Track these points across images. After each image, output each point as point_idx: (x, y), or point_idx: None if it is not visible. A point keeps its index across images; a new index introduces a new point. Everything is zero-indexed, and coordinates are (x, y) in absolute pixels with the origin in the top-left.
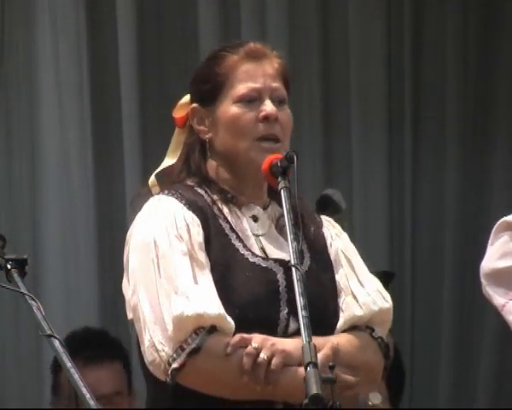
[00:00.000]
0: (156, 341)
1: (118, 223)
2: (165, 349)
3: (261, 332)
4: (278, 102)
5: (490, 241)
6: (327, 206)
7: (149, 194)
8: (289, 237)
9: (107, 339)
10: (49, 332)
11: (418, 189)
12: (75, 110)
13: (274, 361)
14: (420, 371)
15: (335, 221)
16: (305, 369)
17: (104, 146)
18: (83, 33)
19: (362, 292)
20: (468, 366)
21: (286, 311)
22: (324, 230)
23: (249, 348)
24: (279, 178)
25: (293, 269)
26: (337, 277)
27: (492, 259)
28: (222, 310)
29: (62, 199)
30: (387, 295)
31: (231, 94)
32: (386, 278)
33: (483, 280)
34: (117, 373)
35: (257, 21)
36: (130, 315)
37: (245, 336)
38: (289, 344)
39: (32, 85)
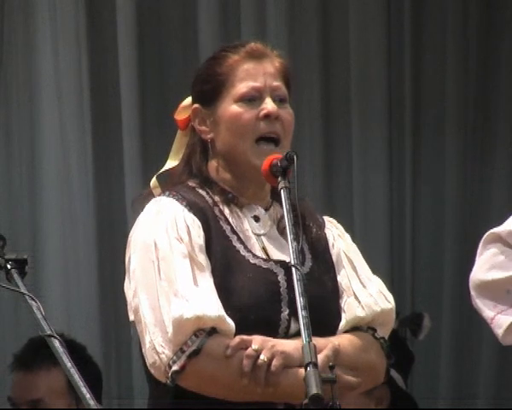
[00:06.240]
0: (156, 343)
1: (118, 223)
2: (166, 352)
3: (262, 333)
4: (279, 101)
5: (478, 252)
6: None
7: (151, 195)
8: (289, 236)
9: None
10: (49, 332)
11: (418, 189)
12: (75, 110)
13: (274, 363)
14: (420, 371)
15: None
16: (305, 369)
17: (104, 147)
18: (83, 33)
19: (364, 293)
20: (468, 365)
21: (287, 312)
22: (326, 230)
23: (249, 350)
24: (279, 178)
25: (293, 269)
26: (339, 278)
27: (481, 271)
28: (222, 312)
29: (62, 199)
30: (390, 296)
31: (232, 93)
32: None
33: (472, 292)
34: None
35: (257, 21)
36: (131, 317)
37: (245, 337)
38: (290, 345)
39: (31, 86)
